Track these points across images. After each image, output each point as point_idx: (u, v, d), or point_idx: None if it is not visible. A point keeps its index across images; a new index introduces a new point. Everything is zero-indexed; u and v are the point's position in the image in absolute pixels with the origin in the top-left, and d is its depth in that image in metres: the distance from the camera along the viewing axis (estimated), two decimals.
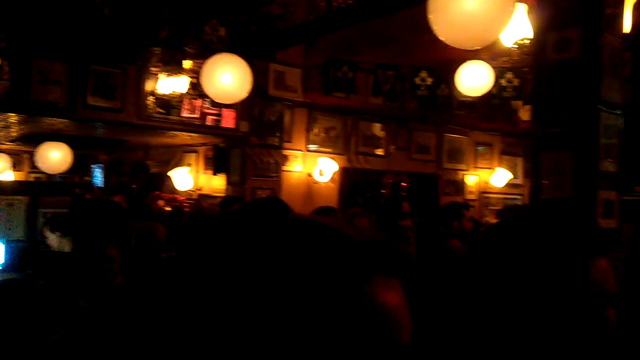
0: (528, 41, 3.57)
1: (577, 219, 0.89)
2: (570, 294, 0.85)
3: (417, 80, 6.67)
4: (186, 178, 7.20)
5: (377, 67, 6.71)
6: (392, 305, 0.72)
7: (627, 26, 3.25)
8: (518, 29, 3.68)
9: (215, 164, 6.73)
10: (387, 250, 0.78)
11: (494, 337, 0.86)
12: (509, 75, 5.66)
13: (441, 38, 2.47)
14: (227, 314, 0.72)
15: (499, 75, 5.52)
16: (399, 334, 0.71)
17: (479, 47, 2.44)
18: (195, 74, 5.31)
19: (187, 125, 5.81)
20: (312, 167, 6.93)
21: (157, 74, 5.48)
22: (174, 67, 5.52)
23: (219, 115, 5.93)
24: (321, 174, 6.88)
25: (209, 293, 1.52)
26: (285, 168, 6.73)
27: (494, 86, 5.28)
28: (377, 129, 7.69)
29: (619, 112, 3.01)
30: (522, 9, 3.64)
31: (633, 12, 3.33)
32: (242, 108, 6.03)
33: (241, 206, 2.35)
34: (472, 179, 8.46)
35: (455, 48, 2.69)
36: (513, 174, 8.43)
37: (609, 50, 2.92)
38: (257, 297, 0.69)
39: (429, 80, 6.65)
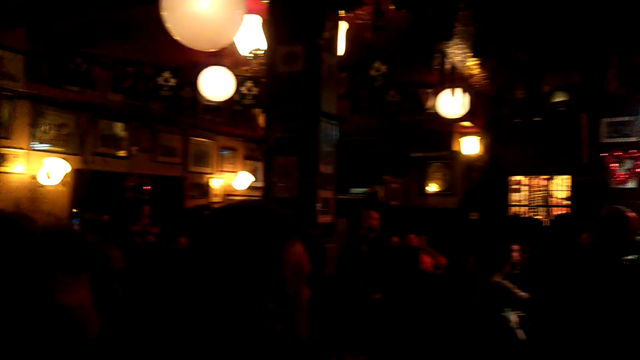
0: (262, 52, 3.84)
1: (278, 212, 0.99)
2: (274, 276, 0.92)
3: (161, 80, 6.48)
4: None
5: (117, 62, 6.28)
6: (74, 304, 0.71)
7: (341, 49, 3.78)
8: (254, 40, 3.92)
9: None
10: (74, 246, 0.74)
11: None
12: (249, 83, 5.99)
13: (175, 37, 2.45)
14: None
15: (240, 83, 5.78)
16: (84, 331, 0.71)
17: (213, 49, 2.51)
18: None
19: None
20: (38, 168, 6.08)
21: None
22: None
23: None
24: (49, 177, 6.09)
25: None
26: (2, 169, 5.74)
27: (236, 93, 5.51)
28: (119, 128, 7.21)
29: (335, 122, 3.48)
30: (257, 21, 3.90)
31: (346, 37, 3.89)
32: None
33: None
34: (218, 182, 8.66)
35: (198, 51, 2.71)
36: (254, 177, 8.95)
37: (327, 67, 3.35)
38: None
39: (173, 81, 6.53)
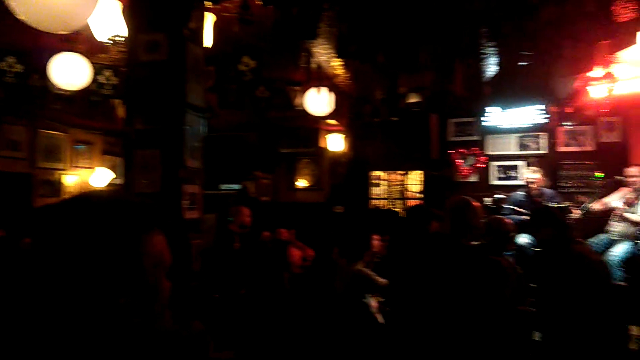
0: (122, 39, 3.61)
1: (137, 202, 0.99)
2: (133, 266, 0.89)
3: (4, 66, 5.78)
4: None
5: None
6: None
7: (209, 41, 3.71)
8: (113, 25, 3.68)
9: None
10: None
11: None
12: (108, 72, 5.59)
13: (20, 17, 2.21)
14: None
15: (97, 72, 5.37)
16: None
17: (63, 32, 2.30)
18: None
19: None
20: None
21: None
22: None
23: None
24: None
25: None
26: None
27: (93, 82, 5.11)
28: None
29: (202, 115, 3.40)
30: (117, 6, 3.66)
31: (214, 30, 3.83)
32: None
33: None
34: (72, 178, 7.96)
35: (47, 34, 2.46)
36: (115, 173, 8.38)
37: (193, 58, 3.27)
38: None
39: (19, 67, 5.86)
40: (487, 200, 6.28)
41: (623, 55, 4.00)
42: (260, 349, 3.45)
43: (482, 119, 7.35)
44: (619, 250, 5.29)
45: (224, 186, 8.00)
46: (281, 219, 6.55)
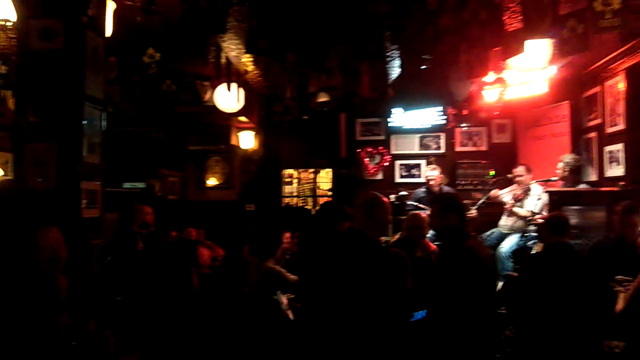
0: (11, 24, 3.32)
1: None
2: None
3: None
4: None
5: None
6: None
7: (109, 30, 3.52)
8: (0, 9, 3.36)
9: None
10: None
11: None
12: None
13: None
14: None
15: None
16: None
17: None
18: None
19: None
20: None
21: None
22: None
23: None
24: None
25: None
26: None
27: None
28: None
29: (102, 109, 3.22)
30: None
31: (115, 18, 3.64)
32: None
33: None
34: None
35: None
36: (4, 171, 7.68)
37: (92, 48, 3.09)
38: None
39: None
40: (392, 197, 6.57)
41: (513, 62, 4.35)
42: (167, 350, 3.34)
43: (387, 119, 7.66)
44: (509, 243, 5.77)
45: (127, 184, 7.63)
46: (190, 218, 6.37)
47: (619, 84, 5.18)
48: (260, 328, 3.68)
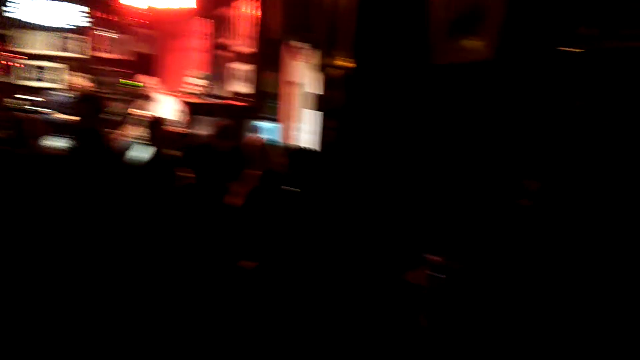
0: None
1: None
2: None
3: None
4: None
5: None
6: None
7: None
8: None
9: None
10: None
11: None
12: None
13: None
14: None
15: None
16: None
17: None
18: None
19: None
20: None
21: None
22: None
23: None
24: None
25: None
26: None
27: None
28: None
29: None
30: None
31: None
32: None
33: None
34: None
35: None
36: None
37: None
38: None
39: None
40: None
41: None
42: None
43: (3, 8, 6.40)
44: (139, 152, 5.78)
45: None
46: None
47: (248, 7, 5.66)
48: None
